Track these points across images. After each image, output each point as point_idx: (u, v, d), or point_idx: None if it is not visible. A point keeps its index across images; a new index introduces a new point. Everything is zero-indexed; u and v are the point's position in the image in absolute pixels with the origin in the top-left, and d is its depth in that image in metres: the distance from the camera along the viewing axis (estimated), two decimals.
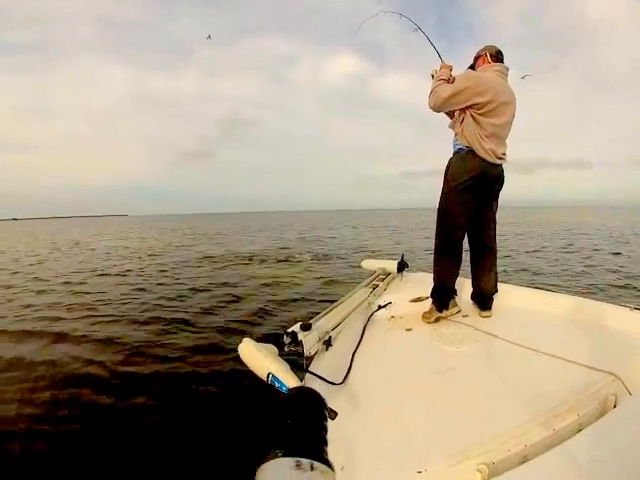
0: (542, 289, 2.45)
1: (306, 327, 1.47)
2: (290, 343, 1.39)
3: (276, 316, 4.61)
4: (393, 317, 2.13)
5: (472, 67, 2.13)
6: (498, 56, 2.02)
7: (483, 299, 2.09)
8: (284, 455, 0.30)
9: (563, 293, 2.29)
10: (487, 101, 1.85)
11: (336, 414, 1.01)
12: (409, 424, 1.16)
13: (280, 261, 9.28)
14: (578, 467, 0.84)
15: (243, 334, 3.90)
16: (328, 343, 1.61)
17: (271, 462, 0.29)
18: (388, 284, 2.57)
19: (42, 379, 3.02)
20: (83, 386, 2.89)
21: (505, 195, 2.13)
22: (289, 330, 1.43)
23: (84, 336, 3.99)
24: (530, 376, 1.37)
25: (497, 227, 2.16)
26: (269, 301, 5.26)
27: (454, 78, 1.98)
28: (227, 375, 2.88)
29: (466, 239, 2.10)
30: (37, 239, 22.46)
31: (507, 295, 2.18)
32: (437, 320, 1.99)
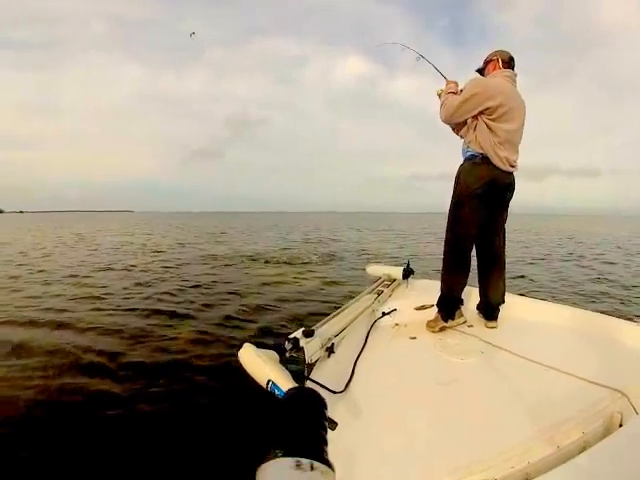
0: (547, 300, 2.42)
1: (308, 333, 1.45)
2: (292, 349, 1.37)
3: (276, 313, 4.67)
4: (397, 325, 2.10)
5: (481, 70, 2.11)
6: (510, 62, 2.00)
7: (490, 309, 2.05)
8: (284, 455, 0.30)
9: (569, 305, 2.26)
10: (497, 105, 1.83)
11: (336, 424, 0.99)
12: (411, 435, 1.14)
13: (284, 262, 9.29)
14: None
15: (243, 328, 4.06)
16: (330, 350, 1.59)
17: (271, 462, 0.29)
18: (393, 291, 2.54)
19: (46, 365, 3.11)
20: (84, 373, 2.97)
21: (514, 202, 2.09)
22: (291, 336, 1.41)
23: (88, 326, 4.10)
24: (535, 390, 1.34)
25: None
26: (270, 299, 5.32)
27: (461, 90, 1.98)
28: (227, 371, 2.88)
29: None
30: (43, 232, 22.69)
31: (513, 306, 2.15)
32: (442, 330, 1.96)
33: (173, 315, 4.55)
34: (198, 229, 26.11)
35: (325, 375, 1.39)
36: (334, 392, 1.30)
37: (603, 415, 1.13)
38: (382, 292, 2.42)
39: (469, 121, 1.96)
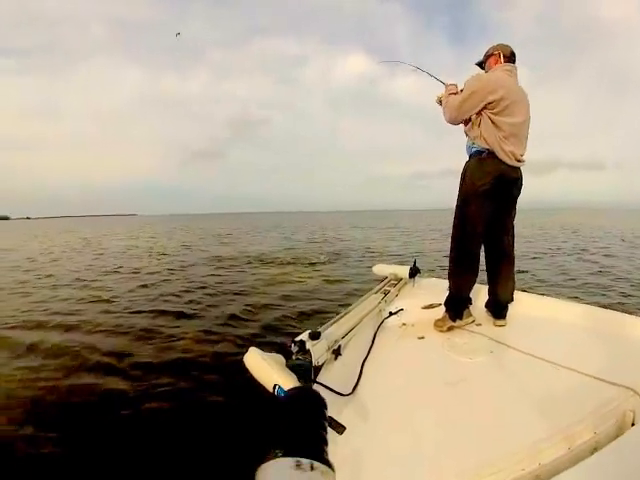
0: (556, 297, 2.39)
1: (315, 336, 1.43)
2: (298, 352, 1.35)
3: (283, 311, 4.73)
4: (404, 324, 2.08)
5: (481, 64, 2.10)
6: (511, 57, 1.98)
7: (498, 308, 2.03)
8: (284, 455, 0.30)
9: (573, 300, 2.23)
10: (499, 99, 1.81)
11: (344, 429, 0.97)
12: (420, 437, 1.13)
13: (289, 262, 9.30)
14: None
15: (249, 327, 4.13)
16: (337, 352, 1.57)
17: (271, 462, 0.29)
18: (400, 290, 2.52)
19: (57, 366, 3.19)
20: (94, 373, 3.07)
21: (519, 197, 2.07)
22: (297, 339, 1.39)
23: (96, 328, 4.21)
24: (545, 390, 1.32)
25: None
26: (275, 298, 5.41)
27: (462, 90, 1.96)
28: (232, 369, 2.90)
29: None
30: (50, 238, 22.96)
31: (522, 303, 2.12)
32: (450, 329, 1.94)
33: (180, 315, 4.65)
34: (203, 231, 26.26)
35: (332, 377, 1.38)
36: (342, 394, 1.29)
37: (615, 414, 1.10)
38: (389, 292, 2.40)
39: (473, 117, 1.93)
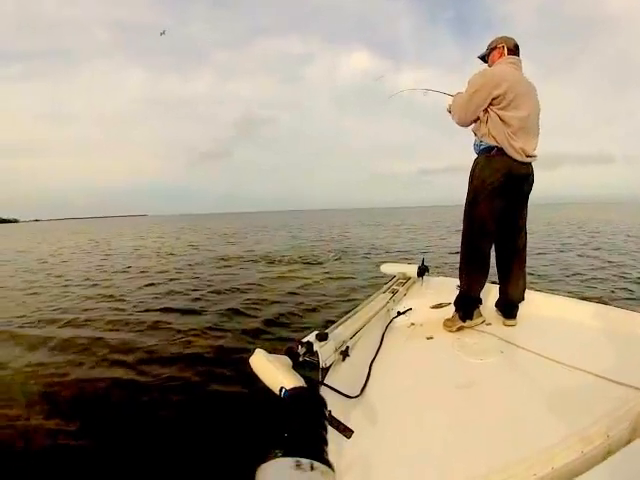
0: (568, 296, 2.34)
1: (322, 337, 1.42)
2: (305, 354, 1.33)
3: (290, 307, 4.81)
4: (413, 324, 2.06)
5: (484, 57, 2.07)
6: (515, 50, 1.94)
7: (509, 307, 1.99)
8: (284, 455, 0.30)
9: (578, 298, 2.18)
10: (504, 92, 1.77)
11: (352, 432, 0.96)
12: (429, 440, 1.11)
13: (296, 261, 9.32)
14: None
15: (255, 318, 4.24)
16: (345, 353, 1.55)
17: (271, 462, 0.29)
18: (408, 289, 2.49)
19: (70, 360, 3.31)
20: (104, 367, 3.17)
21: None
22: (304, 340, 1.38)
23: (107, 325, 4.34)
24: (557, 391, 1.29)
25: None
26: (282, 294, 5.51)
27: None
28: (238, 365, 2.91)
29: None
30: (59, 239, 23.28)
31: (532, 302, 2.08)
32: (459, 329, 1.91)
33: (187, 312, 4.76)
34: (210, 231, 26.38)
35: (340, 379, 1.37)
36: (349, 397, 1.28)
37: (629, 416, 1.07)
38: (397, 291, 2.37)
39: (480, 115, 1.90)
